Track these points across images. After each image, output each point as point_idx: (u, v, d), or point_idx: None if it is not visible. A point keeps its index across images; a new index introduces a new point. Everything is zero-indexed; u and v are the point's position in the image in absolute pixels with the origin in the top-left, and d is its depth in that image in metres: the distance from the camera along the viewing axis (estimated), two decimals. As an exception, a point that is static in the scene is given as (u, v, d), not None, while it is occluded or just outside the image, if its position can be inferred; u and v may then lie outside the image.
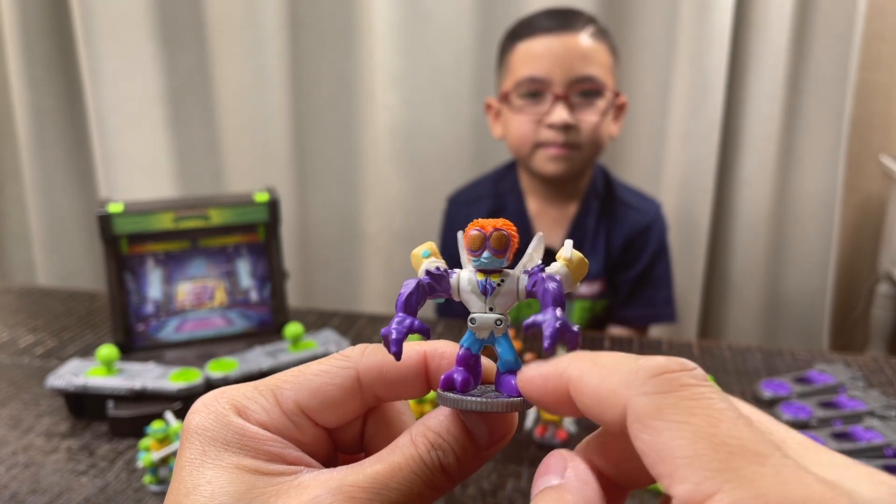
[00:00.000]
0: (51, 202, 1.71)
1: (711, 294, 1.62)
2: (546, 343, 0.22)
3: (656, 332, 1.23)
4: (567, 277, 0.24)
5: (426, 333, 0.24)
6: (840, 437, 0.66)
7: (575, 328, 0.23)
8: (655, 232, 1.19)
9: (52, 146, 1.69)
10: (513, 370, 0.24)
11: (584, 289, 1.16)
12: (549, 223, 1.17)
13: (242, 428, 0.24)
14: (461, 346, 0.25)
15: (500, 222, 0.25)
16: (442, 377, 0.25)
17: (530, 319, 0.23)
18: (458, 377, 0.24)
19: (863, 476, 0.18)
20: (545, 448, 0.69)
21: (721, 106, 1.45)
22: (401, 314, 0.24)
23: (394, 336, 0.24)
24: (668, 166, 1.51)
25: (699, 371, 0.19)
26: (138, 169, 1.62)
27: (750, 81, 1.48)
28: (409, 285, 0.25)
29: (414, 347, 0.25)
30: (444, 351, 0.26)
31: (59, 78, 1.67)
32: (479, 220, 0.25)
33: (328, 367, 0.25)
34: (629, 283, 1.18)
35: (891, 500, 0.17)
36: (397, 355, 0.24)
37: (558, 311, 0.23)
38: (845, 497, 0.16)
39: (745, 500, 0.16)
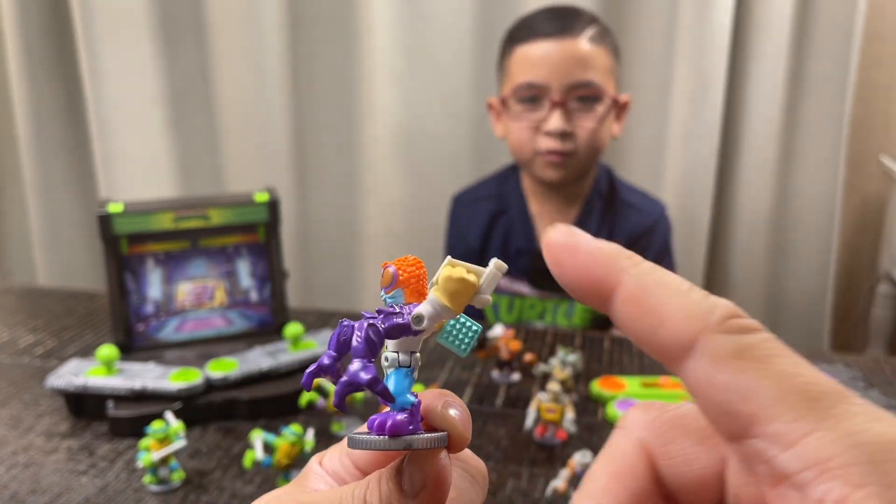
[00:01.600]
0: (51, 202, 1.71)
1: (711, 294, 1.62)
2: (335, 400, 0.23)
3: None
4: (437, 307, 0.23)
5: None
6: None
7: (380, 387, 0.22)
8: (658, 233, 1.19)
9: (52, 146, 1.69)
10: (404, 407, 0.23)
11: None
12: (551, 224, 1.17)
13: None
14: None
15: (405, 259, 0.24)
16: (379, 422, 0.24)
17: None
18: (403, 417, 0.23)
19: None
20: (545, 448, 0.69)
21: (721, 106, 1.45)
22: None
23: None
24: (668, 166, 1.51)
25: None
26: (138, 169, 1.62)
27: (750, 81, 1.48)
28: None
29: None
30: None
31: (59, 78, 1.67)
32: (407, 260, 0.24)
33: None
34: None
35: None
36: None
37: (354, 365, 0.22)
38: None
39: (846, 436, 0.16)
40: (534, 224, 1.17)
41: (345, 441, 0.25)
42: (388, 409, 0.23)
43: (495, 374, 0.82)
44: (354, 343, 0.23)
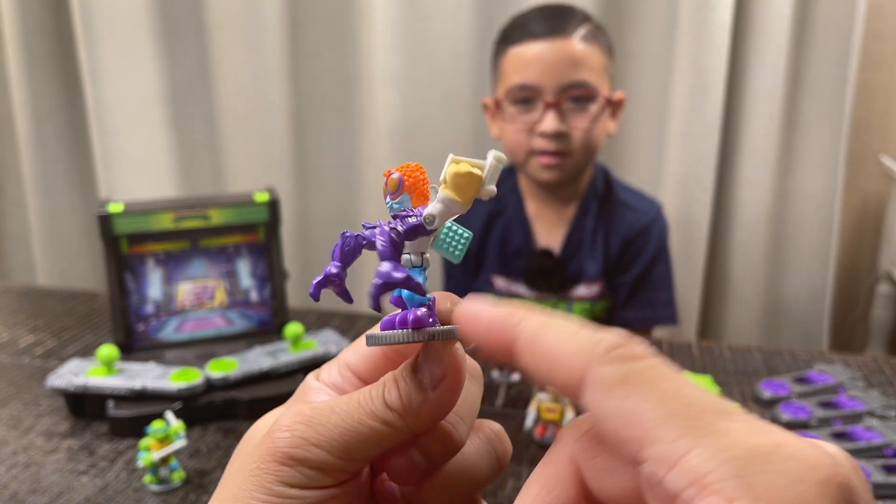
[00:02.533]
0: (51, 202, 1.71)
1: (711, 294, 1.62)
2: (369, 302, 0.24)
3: (655, 331, 1.23)
4: (447, 203, 0.24)
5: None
6: (840, 437, 0.66)
7: (415, 281, 0.24)
8: (655, 233, 1.19)
9: (52, 146, 1.69)
10: (423, 303, 0.25)
11: (584, 290, 1.16)
12: (548, 224, 1.17)
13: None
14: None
15: (407, 166, 0.25)
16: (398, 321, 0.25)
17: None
18: (422, 311, 0.25)
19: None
20: (545, 448, 0.69)
21: (721, 106, 1.45)
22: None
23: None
24: (667, 166, 1.51)
25: (647, 345, 0.20)
26: (138, 169, 1.62)
27: (750, 81, 1.48)
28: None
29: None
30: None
31: (59, 78, 1.67)
32: (408, 166, 0.26)
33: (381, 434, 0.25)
34: (628, 284, 1.18)
35: (847, 457, 0.18)
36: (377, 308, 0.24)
37: (384, 266, 0.24)
38: (808, 443, 0.17)
39: (721, 451, 0.17)
40: (531, 225, 1.17)
41: (343, 354, 0.27)
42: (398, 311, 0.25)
43: (495, 373, 0.82)
44: (380, 247, 0.24)
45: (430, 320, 0.24)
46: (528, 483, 0.23)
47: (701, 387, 0.18)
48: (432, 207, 0.25)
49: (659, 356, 0.19)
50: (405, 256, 0.25)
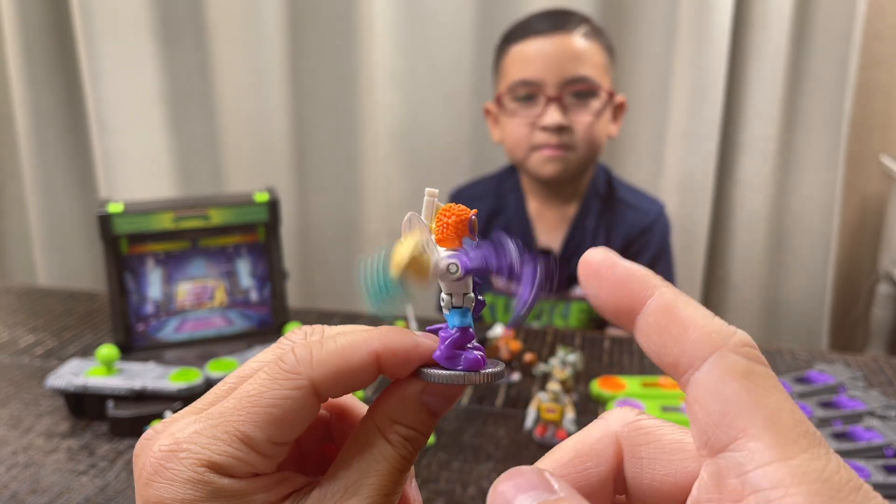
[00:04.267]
0: (51, 202, 1.71)
1: (711, 294, 1.62)
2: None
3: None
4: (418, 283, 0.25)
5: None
6: (840, 437, 0.66)
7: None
8: (656, 232, 1.19)
9: (52, 146, 1.69)
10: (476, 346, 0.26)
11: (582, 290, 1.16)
12: (549, 223, 1.17)
13: (240, 491, 0.23)
14: (454, 326, 0.26)
15: (450, 208, 0.26)
16: (443, 355, 0.25)
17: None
18: (479, 354, 0.25)
19: None
20: (545, 448, 0.69)
21: (721, 106, 1.45)
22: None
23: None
24: (667, 166, 1.51)
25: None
26: (138, 169, 1.62)
27: (749, 81, 1.48)
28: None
29: (365, 345, 0.25)
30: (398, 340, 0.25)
31: (59, 78, 1.67)
32: (455, 206, 0.25)
33: (283, 392, 0.23)
34: None
35: None
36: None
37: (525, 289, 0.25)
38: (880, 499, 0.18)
39: (814, 472, 0.18)
40: (532, 224, 1.17)
41: (199, 437, 0.23)
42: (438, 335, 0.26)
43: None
44: (525, 278, 0.25)
45: (485, 363, 0.25)
46: (560, 447, 0.23)
47: (802, 412, 0.20)
48: (450, 256, 0.25)
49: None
50: (443, 297, 0.25)
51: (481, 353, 0.25)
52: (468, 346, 0.25)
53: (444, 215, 0.25)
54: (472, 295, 0.26)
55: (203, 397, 0.26)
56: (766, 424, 0.19)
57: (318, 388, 0.24)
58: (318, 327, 0.27)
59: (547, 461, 0.23)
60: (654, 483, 0.22)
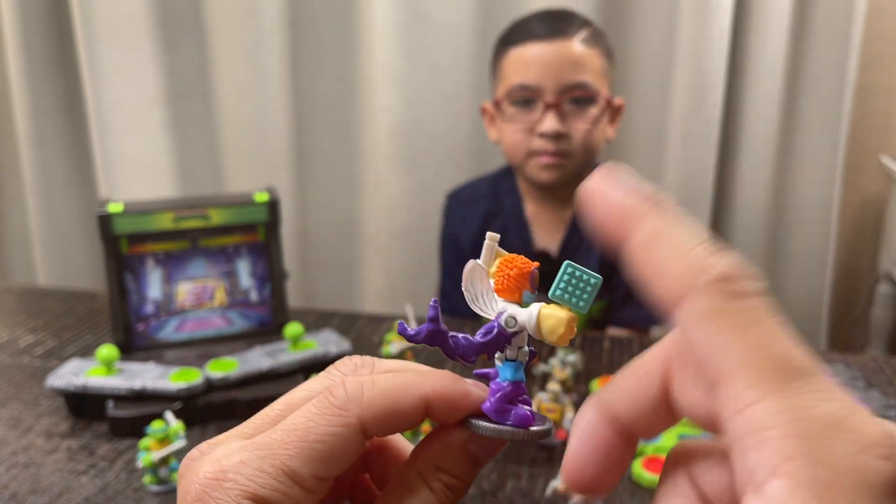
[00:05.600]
0: (51, 202, 1.71)
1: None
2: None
3: (654, 332, 1.23)
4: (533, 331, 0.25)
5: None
6: (840, 437, 0.66)
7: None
8: None
9: (52, 146, 1.69)
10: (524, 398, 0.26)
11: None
12: (547, 226, 1.17)
13: None
14: (506, 380, 0.25)
15: (512, 259, 0.25)
16: (493, 408, 0.25)
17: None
18: (529, 410, 0.25)
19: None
20: (545, 448, 0.69)
21: (720, 106, 1.45)
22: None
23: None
24: (667, 166, 1.51)
25: (760, 281, 0.20)
26: (138, 169, 1.62)
27: (749, 82, 1.48)
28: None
29: (416, 388, 0.25)
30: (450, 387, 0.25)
31: (59, 78, 1.67)
32: (518, 259, 0.25)
33: (331, 428, 0.23)
34: (626, 284, 1.18)
35: None
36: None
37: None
38: (875, 420, 0.17)
39: (789, 409, 0.17)
40: (529, 226, 1.17)
41: (248, 469, 0.23)
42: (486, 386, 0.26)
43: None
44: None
45: (534, 419, 0.25)
46: (625, 371, 0.23)
47: (792, 338, 0.18)
48: (516, 311, 0.25)
49: (765, 296, 0.19)
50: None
51: (531, 409, 0.25)
52: (518, 400, 0.25)
53: (507, 266, 0.25)
54: (527, 349, 0.25)
55: (249, 421, 0.25)
56: (740, 367, 0.17)
57: (365, 427, 0.24)
58: (367, 359, 0.26)
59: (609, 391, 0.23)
60: (694, 402, 0.21)
